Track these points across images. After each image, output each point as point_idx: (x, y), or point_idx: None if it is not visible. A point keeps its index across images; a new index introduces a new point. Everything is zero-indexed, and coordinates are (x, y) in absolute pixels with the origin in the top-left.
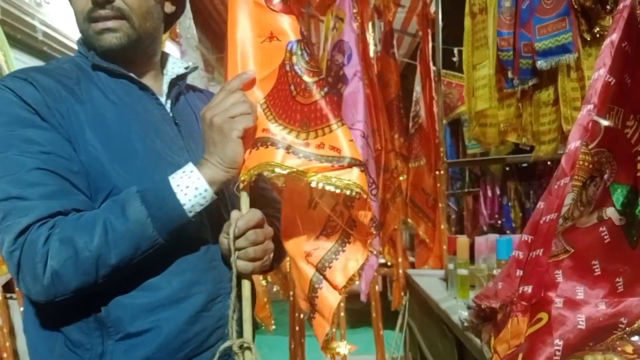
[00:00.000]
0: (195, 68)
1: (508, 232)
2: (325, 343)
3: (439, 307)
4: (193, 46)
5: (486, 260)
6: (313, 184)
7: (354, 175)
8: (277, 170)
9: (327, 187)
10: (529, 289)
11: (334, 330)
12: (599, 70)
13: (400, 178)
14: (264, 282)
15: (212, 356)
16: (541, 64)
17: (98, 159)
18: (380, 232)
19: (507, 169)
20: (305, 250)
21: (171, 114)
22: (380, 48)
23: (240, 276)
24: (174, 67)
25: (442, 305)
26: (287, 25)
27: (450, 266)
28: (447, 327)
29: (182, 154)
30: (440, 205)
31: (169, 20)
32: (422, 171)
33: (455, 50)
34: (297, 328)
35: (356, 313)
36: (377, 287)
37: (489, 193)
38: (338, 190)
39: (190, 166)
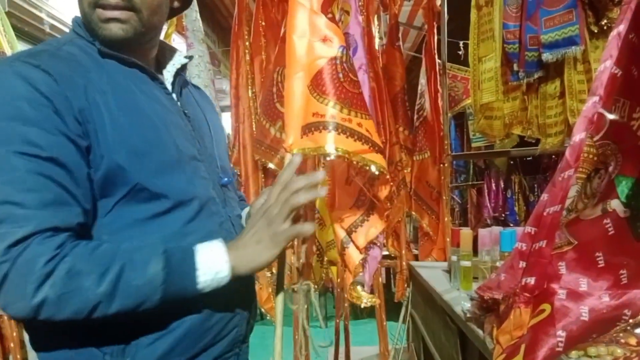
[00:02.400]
0: (191, 57)
1: (512, 225)
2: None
3: (442, 299)
4: (199, 39)
5: (489, 252)
6: (354, 163)
7: (379, 158)
8: (329, 152)
9: (365, 167)
10: (531, 281)
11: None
12: (605, 62)
13: (405, 171)
14: (268, 274)
15: (228, 343)
16: (547, 56)
17: (120, 153)
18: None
19: (512, 162)
20: (339, 217)
21: (179, 104)
22: (385, 41)
23: None
24: (176, 56)
25: (445, 296)
26: (337, 33)
27: (454, 258)
28: (449, 318)
29: (195, 144)
30: (444, 198)
31: (172, 14)
32: (427, 164)
33: (461, 43)
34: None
35: (360, 305)
36: (380, 279)
37: (493, 186)
38: (374, 170)
39: (218, 245)
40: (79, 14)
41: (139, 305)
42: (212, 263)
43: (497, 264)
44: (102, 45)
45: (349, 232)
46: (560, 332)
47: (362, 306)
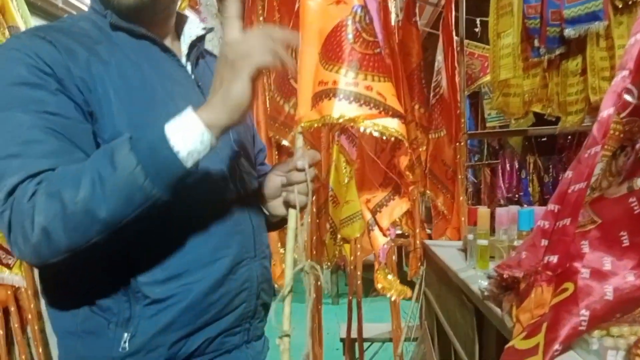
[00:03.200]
0: (212, 29)
1: (526, 205)
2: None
3: (458, 277)
4: (212, 14)
5: (507, 231)
6: (361, 129)
7: (396, 123)
8: (335, 121)
9: (374, 133)
10: (554, 259)
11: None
12: (635, 35)
13: (420, 149)
14: (282, 250)
15: (235, 319)
16: (569, 32)
17: (124, 124)
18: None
19: (526, 143)
20: (366, 197)
21: (193, 77)
22: (402, 17)
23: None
24: (192, 28)
25: (461, 275)
26: None
27: (470, 237)
28: (466, 296)
29: None
30: (459, 177)
31: None
32: (442, 142)
33: (478, 20)
34: (313, 295)
35: (372, 283)
36: (393, 257)
37: (508, 167)
38: (383, 137)
39: (188, 109)
40: None
41: (129, 197)
42: (184, 125)
43: (515, 243)
44: (116, 16)
45: (374, 213)
46: (583, 312)
47: (392, 297)
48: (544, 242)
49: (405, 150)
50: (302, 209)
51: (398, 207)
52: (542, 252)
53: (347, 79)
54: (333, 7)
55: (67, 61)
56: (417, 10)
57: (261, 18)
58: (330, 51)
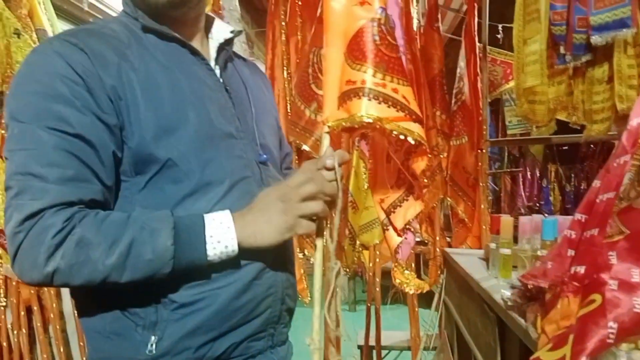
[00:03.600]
0: (240, 32)
1: (547, 215)
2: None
3: (480, 286)
4: (236, 18)
5: (530, 240)
6: (387, 129)
7: (417, 127)
8: (364, 119)
9: (401, 136)
10: (581, 270)
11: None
12: None
13: (441, 156)
14: (300, 255)
15: (260, 324)
16: (596, 39)
17: (152, 129)
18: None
19: (548, 151)
20: (379, 197)
21: (221, 80)
22: (424, 22)
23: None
24: (220, 30)
25: (483, 284)
26: None
27: (492, 245)
28: (487, 306)
29: (233, 121)
30: (481, 184)
31: None
32: (464, 149)
33: (500, 27)
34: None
35: (390, 289)
36: (413, 265)
37: (529, 175)
38: (410, 139)
39: (228, 219)
40: None
41: (150, 277)
42: (222, 236)
43: (538, 252)
44: (147, 18)
45: (388, 213)
46: (611, 324)
47: (410, 291)
48: (571, 252)
49: (424, 151)
50: (332, 208)
51: (412, 207)
52: (569, 263)
53: (375, 79)
54: (358, 8)
55: (98, 69)
56: (439, 16)
57: (283, 23)
58: (357, 50)
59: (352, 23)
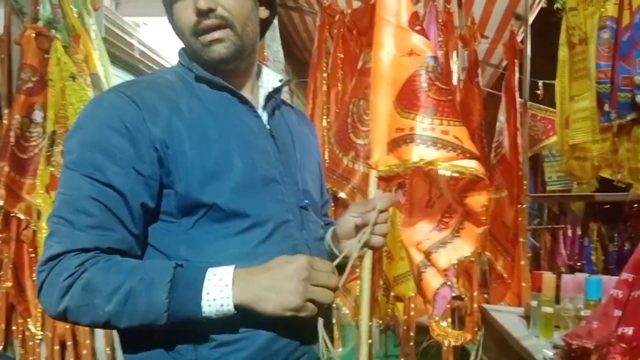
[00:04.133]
0: (289, 81)
1: (589, 274)
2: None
3: (520, 345)
4: (280, 69)
5: (573, 299)
6: (441, 172)
7: (474, 163)
8: (417, 163)
9: (454, 174)
10: (629, 331)
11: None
12: None
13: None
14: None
15: None
16: None
17: (198, 175)
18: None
19: (589, 209)
20: (416, 240)
21: (268, 127)
22: (464, 77)
23: (372, 248)
24: (269, 79)
25: (524, 343)
26: (425, 44)
27: (534, 303)
28: None
29: (277, 167)
30: (521, 240)
31: (263, 27)
32: (503, 203)
33: (540, 83)
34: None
35: (426, 346)
36: (448, 320)
37: (569, 233)
38: (463, 175)
39: (227, 277)
40: (165, 42)
41: (147, 325)
42: (219, 294)
43: (581, 312)
44: (205, 68)
45: (428, 254)
46: None
47: (450, 344)
48: (618, 313)
49: (485, 186)
50: (377, 249)
51: (460, 249)
52: (616, 323)
53: (423, 124)
54: (406, 59)
55: (147, 121)
56: (479, 71)
57: (325, 74)
58: (406, 100)
59: (401, 73)
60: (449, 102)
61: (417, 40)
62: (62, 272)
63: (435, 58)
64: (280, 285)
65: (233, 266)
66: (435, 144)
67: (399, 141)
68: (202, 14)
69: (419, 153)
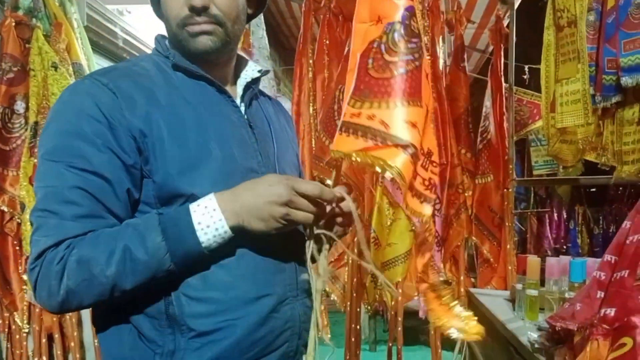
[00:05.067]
0: (267, 71)
1: (574, 257)
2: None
3: (506, 328)
4: (265, 56)
5: (557, 282)
6: (353, 160)
7: (399, 160)
8: (334, 155)
9: (377, 168)
10: (611, 312)
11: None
12: None
13: (466, 194)
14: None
15: (278, 357)
16: (626, 80)
17: (176, 165)
18: (442, 248)
19: (575, 193)
20: None
21: (246, 117)
22: (450, 62)
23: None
24: (249, 70)
25: (510, 326)
26: (393, 9)
27: (519, 286)
28: (514, 348)
29: (256, 157)
30: (507, 224)
31: (248, 19)
32: (489, 188)
33: (527, 67)
34: (352, 339)
35: (412, 331)
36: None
37: (555, 216)
38: (377, 168)
39: (213, 203)
40: (149, 31)
41: (154, 275)
42: (210, 220)
43: (566, 294)
44: (185, 57)
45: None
46: None
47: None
48: (600, 294)
49: (406, 192)
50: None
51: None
52: (598, 305)
53: (353, 109)
54: (373, 28)
55: (124, 109)
56: (465, 56)
57: (311, 61)
58: (351, 80)
59: (363, 45)
60: (387, 80)
61: (384, 4)
62: (53, 260)
63: (400, 23)
64: (260, 205)
65: (212, 194)
66: (356, 132)
67: (336, 129)
68: (195, 10)
69: (338, 144)
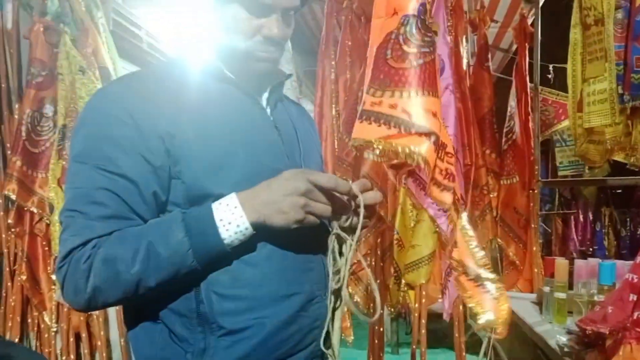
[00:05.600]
0: (290, 75)
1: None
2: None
3: (533, 332)
4: (287, 58)
5: (586, 285)
6: (377, 151)
7: (424, 148)
8: (355, 143)
9: (388, 150)
10: None
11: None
12: None
13: (491, 195)
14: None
15: (306, 356)
16: None
17: (203, 166)
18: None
19: (601, 194)
20: None
21: (272, 119)
22: (474, 62)
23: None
24: (276, 74)
25: (537, 329)
26: (409, 2)
27: (546, 289)
28: (542, 352)
29: (282, 159)
30: (532, 225)
31: None
32: (515, 189)
33: (551, 67)
34: (375, 341)
35: (436, 333)
36: (460, 307)
37: (581, 218)
38: (402, 156)
39: (234, 200)
40: (173, 35)
41: (177, 272)
42: (231, 217)
43: (595, 297)
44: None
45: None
46: None
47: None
48: (633, 297)
49: (430, 177)
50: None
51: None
52: (632, 308)
53: (374, 98)
54: (389, 20)
55: (152, 112)
56: (489, 56)
57: (333, 62)
58: (370, 69)
59: (380, 38)
60: (410, 71)
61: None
62: (80, 259)
63: (415, 16)
64: (279, 200)
65: (234, 192)
66: (378, 120)
67: (356, 117)
68: (272, 42)
69: (359, 131)
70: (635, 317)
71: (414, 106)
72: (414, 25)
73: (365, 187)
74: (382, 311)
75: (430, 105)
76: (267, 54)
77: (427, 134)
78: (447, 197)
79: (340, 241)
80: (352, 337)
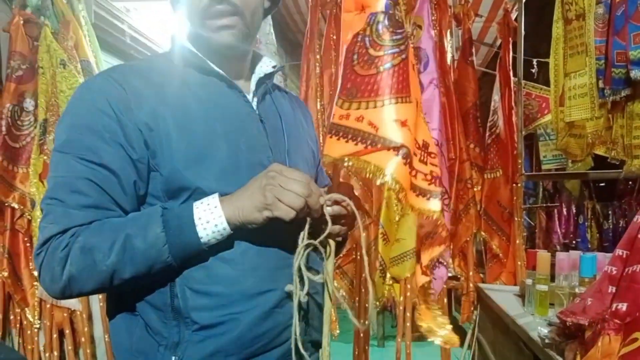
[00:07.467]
0: (282, 67)
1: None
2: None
3: (516, 324)
4: (272, 52)
5: (567, 277)
6: (345, 164)
7: (392, 165)
8: (325, 160)
9: (368, 174)
10: (623, 307)
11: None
12: None
13: (475, 189)
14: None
15: (282, 353)
16: (635, 73)
17: (182, 159)
18: (451, 243)
19: (584, 188)
20: None
21: (257, 112)
22: (458, 56)
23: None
24: (263, 65)
25: (520, 321)
26: None
27: (528, 282)
28: (524, 344)
29: (266, 152)
30: (516, 219)
31: (263, 16)
32: (498, 183)
33: (535, 61)
34: (361, 335)
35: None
36: (445, 300)
37: (564, 211)
38: (369, 175)
39: (215, 200)
40: (156, 28)
41: (152, 266)
42: (210, 216)
43: (576, 290)
44: (209, 54)
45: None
46: None
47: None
48: (612, 289)
49: (405, 197)
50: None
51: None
52: (610, 299)
53: (342, 110)
54: (356, 17)
55: (133, 104)
56: (473, 50)
57: (318, 56)
58: (338, 77)
59: (348, 36)
60: (377, 77)
61: None
62: (58, 247)
63: (383, 13)
64: (252, 189)
65: (216, 193)
66: (346, 135)
67: (337, 131)
68: (220, 2)
69: (328, 147)
70: (613, 309)
71: (381, 117)
72: (381, 24)
73: (336, 201)
74: (367, 305)
75: (399, 114)
76: (218, 20)
77: (396, 148)
78: (434, 205)
79: (322, 246)
80: (338, 331)
